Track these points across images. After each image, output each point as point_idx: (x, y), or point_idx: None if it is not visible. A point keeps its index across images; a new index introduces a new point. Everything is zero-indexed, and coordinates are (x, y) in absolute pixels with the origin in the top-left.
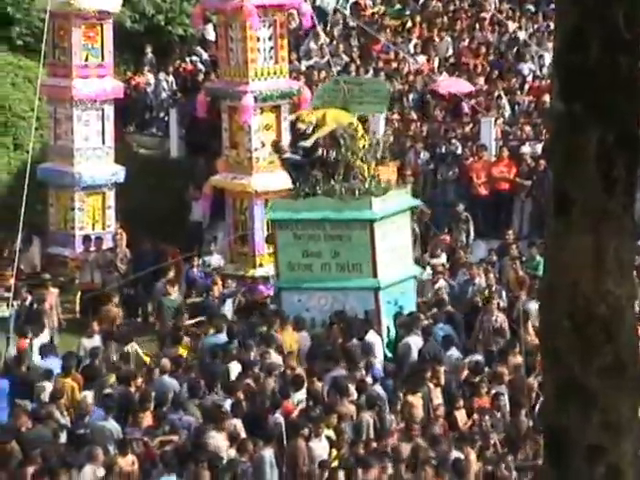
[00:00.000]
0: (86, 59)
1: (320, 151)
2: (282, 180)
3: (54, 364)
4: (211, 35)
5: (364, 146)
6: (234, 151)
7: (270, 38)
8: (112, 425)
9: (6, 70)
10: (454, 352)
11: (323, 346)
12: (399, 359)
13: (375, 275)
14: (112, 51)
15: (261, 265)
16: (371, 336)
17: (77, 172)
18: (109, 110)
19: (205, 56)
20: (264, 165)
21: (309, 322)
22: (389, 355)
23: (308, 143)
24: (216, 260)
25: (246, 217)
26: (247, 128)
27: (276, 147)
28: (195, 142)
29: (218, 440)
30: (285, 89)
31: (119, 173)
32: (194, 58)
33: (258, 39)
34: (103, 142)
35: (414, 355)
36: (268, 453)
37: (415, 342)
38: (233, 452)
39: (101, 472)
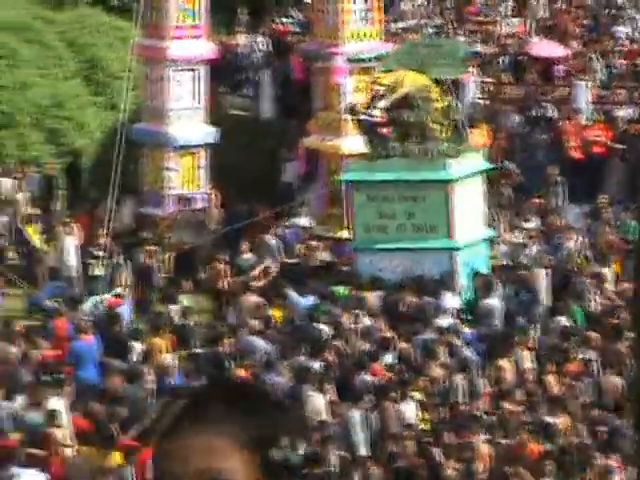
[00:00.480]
0: (182, 20)
1: (395, 113)
2: None
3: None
4: None
5: (439, 108)
6: (325, 112)
7: (365, 0)
8: None
9: (101, 30)
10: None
11: (396, 307)
12: (481, 321)
13: (451, 236)
14: (207, 12)
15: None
16: (448, 298)
17: (170, 132)
18: (203, 71)
19: (299, 17)
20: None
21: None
22: (469, 317)
23: (383, 104)
24: (305, 221)
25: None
26: (339, 90)
27: (351, 109)
28: (287, 103)
29: (317, 401)
30: (379, 51)
31: (212, 133)
32: (288, 20)
33: (354, 1)
34: (197, 102)
35: (496, 317)
36: (357, 415)
37: (495, 304)
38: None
39: None
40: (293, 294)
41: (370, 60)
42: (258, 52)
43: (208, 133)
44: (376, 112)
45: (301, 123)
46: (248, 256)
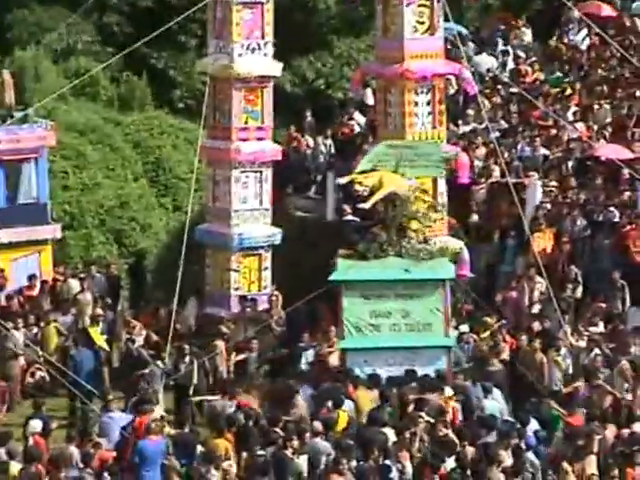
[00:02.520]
0: (246, 122)
1: (378, 213)
2: (437, 244)
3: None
4: (370, 99)
5: (420, 209)
6: None
7: (428, 103)
8: None
9: (167, 132)
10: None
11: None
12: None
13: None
14: (272, 114)
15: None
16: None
17: (234, 233)
18: (267, 172)
19: (363, 120)
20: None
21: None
22: None
23: (367, 205)
24: None
25: None
26: None
27: (338, 210)
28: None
29: None
30: (443, 153)
31: (276, 235)
32: (352, 122)
33: (416, 104)
34: (261, 204)
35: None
36: None
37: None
38: None
39: None
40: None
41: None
42: (322, 154)
43: (272, 234)
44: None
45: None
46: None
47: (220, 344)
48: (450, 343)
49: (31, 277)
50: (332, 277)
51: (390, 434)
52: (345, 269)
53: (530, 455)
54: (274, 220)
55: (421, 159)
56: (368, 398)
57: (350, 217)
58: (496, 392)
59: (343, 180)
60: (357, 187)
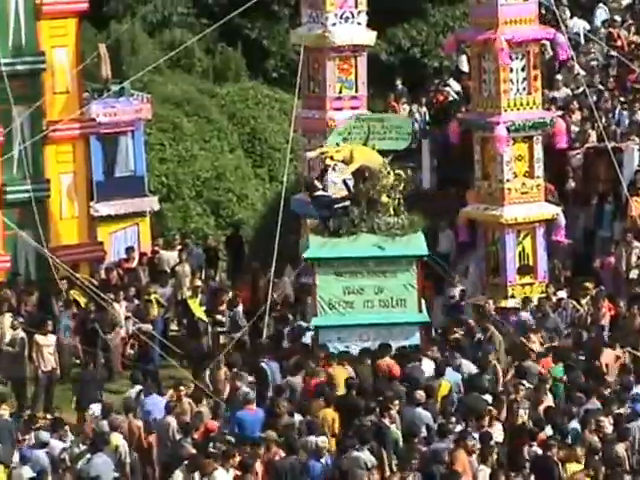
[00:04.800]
0: (340, 91)
1: (351, 187)
2: (534, 210)
3: None
4: (465, 66)
5: (390, 183)
6: (486, 182)
7: (523, 69)
8: (367, 456)
9: (262, 102)
10: None
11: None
12: None
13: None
14: (366, 83)
15: (512, 296)
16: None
17: None
18: None
19: (458, 88)
20: (516, 196)
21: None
22: None
23: (338, 180)
24: (460, 291)
25: (497, 248)
26: (499, 158)
27: (307, 185)
28: (447, 173)
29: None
30: (538, 120)
31: None
32: (447, 89)
33: (511, 70)
34: None
35: None
36: None
37: None
38: None
39: None
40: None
41: (530, 129)
42: (417, 122)
43: None
44: (332, 187)
45: (460, 192)
46: None
47: None
48: (423, 319)
49: (129, 249)
50: (305, 255)
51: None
52: (318, 246)
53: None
54: None
55: (391, 132)
56: (343, 374)
57: (321, 192)
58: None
59: (313, 154)
60: (328, 161)
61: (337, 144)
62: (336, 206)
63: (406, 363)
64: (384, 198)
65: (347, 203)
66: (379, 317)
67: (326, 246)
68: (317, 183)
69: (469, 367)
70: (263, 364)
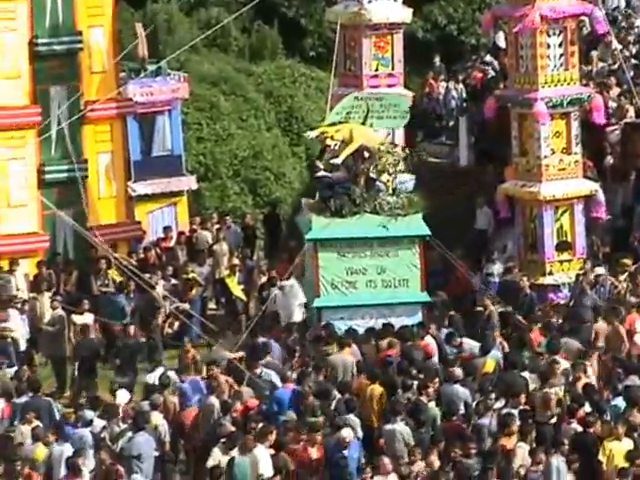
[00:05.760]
0: (376, 69)
1: (352, 167)
2: (572, 186)
3: None
4: (502, 43)
5: (389, 162)
6: (523, 158)
7: (560, 45)
8: (402, 427)
9: (299, 81)
10: None
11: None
12: None
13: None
14: (402, 60)
15: (551, 273)
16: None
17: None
18: None
19: (495, 64)
20: (554, 172)
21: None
22: None
23: (339, 160)
24: (498, 268)
25: (536, 225)
26: (537, 135)
27: (310, 166)
28: (484, 150)
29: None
30: (576, 96)
31: (409, 182)
32: (484, 66)
33: (548, 46)
34: None
35: None
36: (556, 461)
37: None
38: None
39: None
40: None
41: (567, 105)
42: (454, 99)
43: (405, 181)
44: (333, 168)
45: (497, 169)
46: None
47: None
48: (426, 298)
49: (167, 229)
50: (308, 236)
51: (530, 378)
52: (321, 227)
53: None
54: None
55: (388, 110)
56: (348, 352)
57: (322, 173)
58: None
59: (313, 134)
60: (328, 141)
61: (335, 123)
62: (337, 187)
63: (406, 342)
64: (384, 177)
65: (348, 183)
66: (382, 297)
67: (329, 227)
68: (318, 163)
69: (470, 344)
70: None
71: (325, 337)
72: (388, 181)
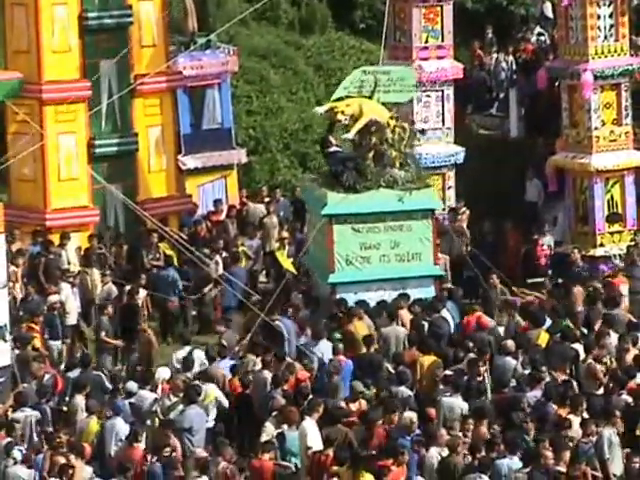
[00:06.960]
0: (426, 41)
1: (363, 141)
2: (622, 158)
3: None
4: (550, 13)
5: (398, 136)
6: (574, 130)
7: (610, 16)
8: (459, 402)
9: (349, 54)
10: None
11: None
12: None
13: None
14: (452, 32)
15: (602, 244)
16: None
17: (418, 153)
18: (449, 91)
19: (545, 36)
20: (604, 144)
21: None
22: None
23: (350, 135)
24: (549, 240)
25: (586, 196)
26: (587, 106)
27: (323, 141)
28: (534, 122)
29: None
30: (626, 67)
31: (459, 154)
32: (534, 38)
33: (599, 17)
34: (443, 123)
35: None
36: (608, 432)
37: None
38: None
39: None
40: None
41: (617, 76)
42: (504, 71)
43: (455, 153)
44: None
45: (548, 141)
46: None
47: None
48: (438, 272)
49: (217, 202)
50: (324, 212)
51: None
52: (336, 203)
53: None
54: (457, 139)
55: (395, 84)
56: (363, 326)
57: (334, 148)
58: None
59: (322, 109)
60: (339, 116)
61: (343, 98)
62: (348, 161)
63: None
64: (392, 151)
65: (359, 158)
66: (395, 271)
67: (344, 202)
68: (331, 138)
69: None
70: (278, 322)
71: (343, 312)
72: (396, 156)
